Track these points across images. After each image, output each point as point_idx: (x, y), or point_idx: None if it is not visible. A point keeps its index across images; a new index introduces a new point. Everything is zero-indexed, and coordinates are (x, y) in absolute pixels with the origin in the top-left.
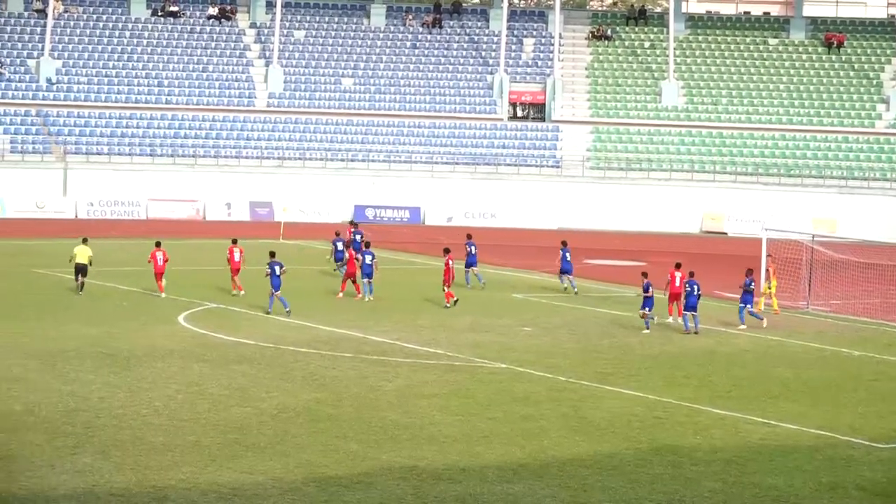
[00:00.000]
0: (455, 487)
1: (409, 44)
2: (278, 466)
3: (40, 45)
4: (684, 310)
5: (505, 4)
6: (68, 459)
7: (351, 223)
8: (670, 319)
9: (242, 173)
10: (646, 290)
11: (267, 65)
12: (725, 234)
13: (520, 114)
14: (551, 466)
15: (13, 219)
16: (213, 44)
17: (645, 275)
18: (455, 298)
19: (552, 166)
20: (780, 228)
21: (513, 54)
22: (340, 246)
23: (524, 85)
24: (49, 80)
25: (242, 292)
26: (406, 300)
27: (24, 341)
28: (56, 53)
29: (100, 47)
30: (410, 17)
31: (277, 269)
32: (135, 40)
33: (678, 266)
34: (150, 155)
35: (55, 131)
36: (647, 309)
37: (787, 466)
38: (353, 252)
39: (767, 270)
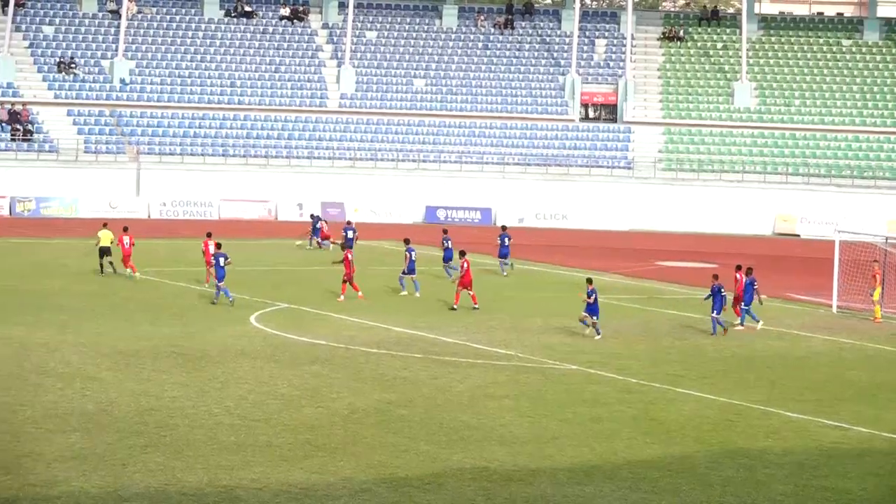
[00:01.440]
0: (526, 489)
1: (480, 44)
2: (349, 467)
3: (114, 46)
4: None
5: (577, 5)
6: (140, 458)
7: (347, 222)
8: (747, 324)
9: (314, 174)
10: (715, 293)
11: (339, 65)
12: (798, 236)
13: (591, 115)
14: (622, 468)
15: (87, 218)
16: (286, 44)
17: (716, 277)
18: (476, 306)
19: (624, 167)
20: (854, 230)
21: (584, 55)
22: (319, 224)
23: (596, 86)
24: (123, 81)
25: (208, 285)
26: (477, 300)
27: (98, 341)
28: (129, 54)
29: (173, 48)
30: (482, 17)
31: (222, 260)
32: (208, 41)
33: (740, 268)
34: (223, 155)
35: (128, 132)
36: (716, 312)
37: (859, 470)
38: (350, 251)
39: (874, 277)
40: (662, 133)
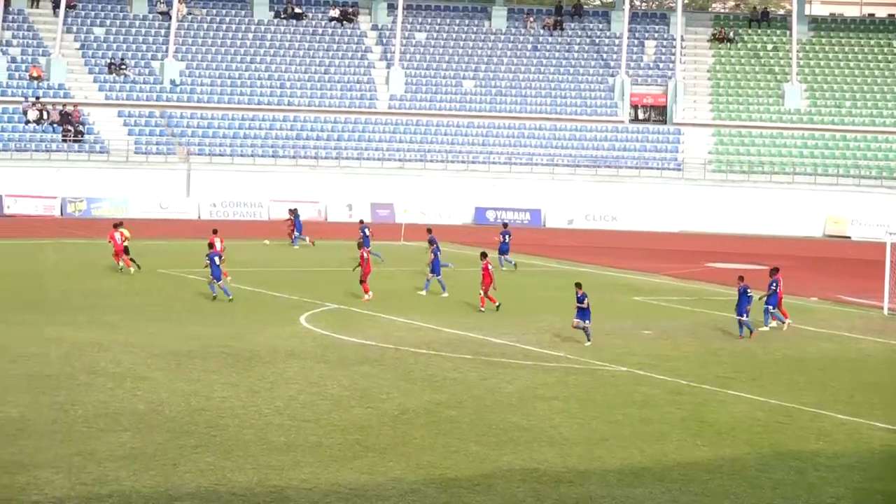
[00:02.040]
0: (575, 490)
1: (530, 46)
2: (399, 467)
3: (164, 47)
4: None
5: (626, 6)
6: (191, 458)
7: (360, 221)
8: (775, 324)
9: (364, 175)
10: (741, 294)
11: (388, 67)
12: (849, 237)
13: (641, 116)
14: (672, 470)
15: (137, 219)
16: (335, 46)
17: (741, 278)
18: (497, 304)
19: (673, 169)
20: None
21: (634, 56)
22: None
23: (645, 87)
24: (173, 82)
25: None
26: (526, 302)
27: (149, 341)
28: (180, 55)
29: (223, 49)
30: (531, 18)
31: (217, 259)
32: (257, 42)
33: (777, 270)
34: (273, 156)
35: (179, 132)
36: (744, 315)
37: None
38: (365, 249)
39: None
40: (712, 134)
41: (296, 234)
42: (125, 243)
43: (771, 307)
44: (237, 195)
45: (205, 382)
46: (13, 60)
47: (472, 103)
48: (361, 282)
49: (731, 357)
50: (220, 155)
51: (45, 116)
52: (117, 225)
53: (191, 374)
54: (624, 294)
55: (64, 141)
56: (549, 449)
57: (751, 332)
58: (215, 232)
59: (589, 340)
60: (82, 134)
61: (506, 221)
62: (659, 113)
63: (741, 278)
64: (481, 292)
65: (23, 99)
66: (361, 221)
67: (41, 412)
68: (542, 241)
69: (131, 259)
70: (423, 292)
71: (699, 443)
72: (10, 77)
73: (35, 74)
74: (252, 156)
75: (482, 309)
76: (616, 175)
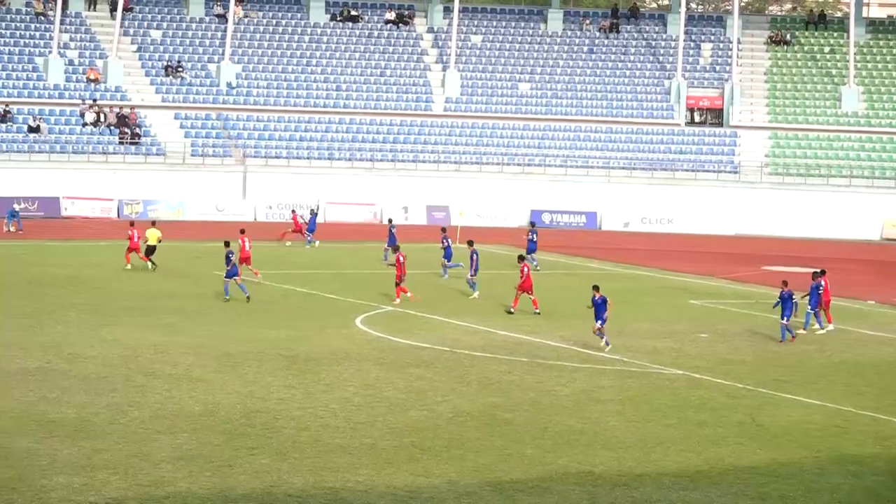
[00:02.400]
0: (631, 493)
1: (585, 48)
2: (454, 470)
3: (221, 50)
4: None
5: (683, 9)
6: (247, 460)
7: (389, 220)
8: (816, 327)
9: (419, 177)
10: (785, 299)
11: (444, 69)
12: None
13: (697, 119)
14: (728, 474)
15: (194, 221)
16: (391, 48)
17: (785, 283)
18: (537, 310)
19: (730, 172)
20: None
21: (690, 59)
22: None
23: (702, 90)
24: (229, 84)
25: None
26: (582, 305)
27: (205, 343)
28: (236, 58)
29: (279, 52)
30: (587, 21)
31: (232, 256)
32: (314, 45)
33: (823, 273)
34: (328, 158)
35: (235, 135)
36: (786, 319)
37: None
38: (401, 253)
39: None
40: (769, 137)
41: (308, 234)
42: (158, 243)
43: (810, 308)
44: (293, 197)
45: (261, 384)
46: (71, 63)
47: (528, 106)
48: (396, 284)
49: (787, 360)
50: (276, 157)
51: (102, 119)
52: (132, 223)
53: (246, 376)
54: (680, 297)
55: (121, 143)
56: (605, 452)
57: (792, 336)
58: (242, 232)
59: (608, 345)
60: (139, 136)
61: (533, 221)
62: (715, 116)
63: (785, 283)
64: (517, 293)
65: (80, 101)
66: (390, 221)
67: (98, 413)
68: (597, 243)
69: (150, 259)
70: (475, 294)
71: (755, 446)
72: (68, 80)
73: (92, 77)
74: (308, 158)
75: (512, 310)
76: (672, 178)
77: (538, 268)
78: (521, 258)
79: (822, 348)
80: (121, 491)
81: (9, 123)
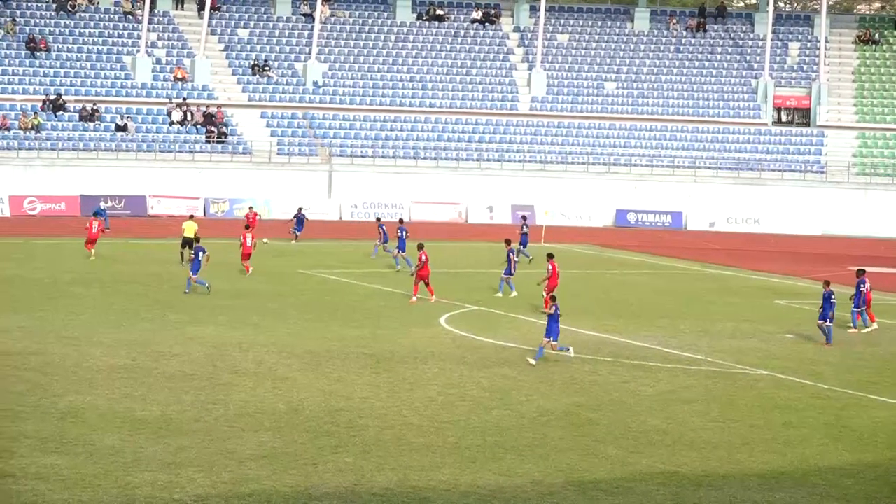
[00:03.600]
0: (715, 494)
1: (672, 48)
2: (538, 469)
3: (307, 49)
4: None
5: (770, 8)
6: (330, 458)
7: (400, 220)
8: (875, 325)
9: (505, 176)
10: (826, 299)
11: (530, 69)
12: None
13: (784, 118)
14: (813, 475)
15: (280, 220)
16: (477, 48)
17: (827, 283)
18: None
19: (817, 172)
20: None
21: (777, 58)
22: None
23: (789, 89)
24: (315, 84)
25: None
26: (666, 306)
27: (289, 341)
28: (322, 57)
29: (365, 51)
30: (674, 20)
31: (201, 254)
32: (400, 44)
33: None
34: (414, 158)
35: (321, 134)
36: (826, 320)
37: None
38: (423, 252)
39: None
40: (856, 137)
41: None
42: (194, 237)
43: (854, 308)
44: (378, 196)
45: (345, 383)
46: (158, 62)
47: (614, 105)
48: (425, 283)
49: (874, 361)
50: (362, 156)
51: (188, 118)
52: (96, 213)
53: (331, 375)
54: (765, 297)
55: (207, 142)
56: (689, 452)
57: (827, 339)
58: (247, 227)
59: (570, 351)
60: (225, 135)
61: (525, 214)
62: (802, 115)
63: (827, 283)
64: (543, 294)
65: (167, 100)
66: (401, 221)
67: (183, 411)
68: (683, 243)
69: (184, 251)
70: (513, 294)
71: (841, 448)
72: (155, 79)
73: (179, 76)
74: (393, 157)
75: (545, 311)
76: (758, 178)
77: (532, 260)
78: (550, 256)
79: None
80: (205, 488)
81: (97, 122)
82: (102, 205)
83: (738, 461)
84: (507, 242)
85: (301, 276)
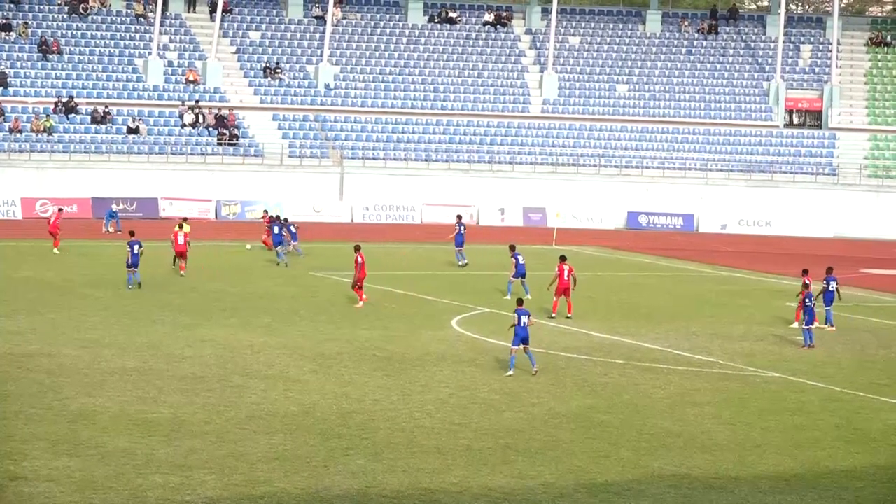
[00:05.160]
0: (727, 496)
1: (684, 50)
2: (549, 472)
3: (319, 51)
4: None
5: (782, 10)
6: (342, 460)
7: (285, 218)
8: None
9: (516, 179)
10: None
11: (542, 71)
12: None
13: (796, 121)
14: (824, 477)
15: (291, 222)
16: (489, 50)
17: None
18: (569, 315)
19: (828, 174)
20: None
21: (789, 61)
22: (276, 230)
23: (801, 92)
24: (327, 86)
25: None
26: (678, 308)
27: (300, 343)
28: (334, 59)
29: (377, 53)
30: (686, 22)
31: (136, 248)
32: (411, 46)
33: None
34: (425, 160)
35: (332, 136)
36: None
37: None
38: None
39: None
40: (868, 139)
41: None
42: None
43: (826, 306)
44: (390, 198)
45: (356, 385)
46: (170, 64)
47: (626, 108)
48: (359, 287)
49: (886, 364)
50: (374, 158)
51: (200, 120)
52: (60, 209)
53: (342, 377)
54: (777, 299)
55: (219, 144)
56: (701, 455)
57: (810, 343)
58: (180, 227)
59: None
60: (237, 137)
61: (460, 214)
62: (814, 118)
63: (805, 285)
64: (554, 297)
65: (179, 103)
66: (285, 220)
67: (194, 413)
68: (695, 245)
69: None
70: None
71: (852, 450)
72: (167, 81)
73: (191, 78)
74: (405, 160)
75: (554, 315)
76: (770, 180)
77: (465, 265)
78: (562, 258)
79: None
80: (216, 490)
81: (108, 124)
82: (114, 207)
83: (750, 463)
84: (512, 248)
85: (312, 278)
